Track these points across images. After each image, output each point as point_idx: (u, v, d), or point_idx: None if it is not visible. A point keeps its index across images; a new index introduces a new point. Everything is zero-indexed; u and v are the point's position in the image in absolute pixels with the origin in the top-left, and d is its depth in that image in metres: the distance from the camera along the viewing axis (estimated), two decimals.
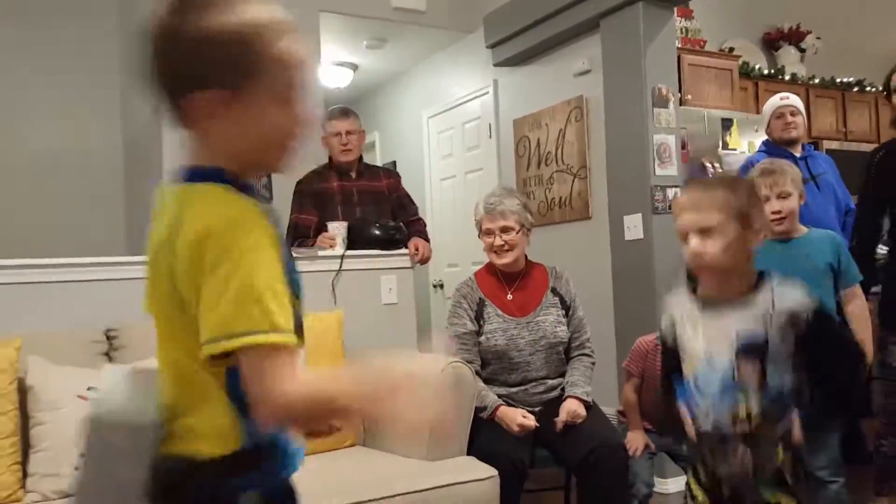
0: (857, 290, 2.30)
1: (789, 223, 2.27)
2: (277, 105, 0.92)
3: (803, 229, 2.32)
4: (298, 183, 3.33)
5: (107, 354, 2.36)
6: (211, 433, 0.92)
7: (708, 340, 1.55)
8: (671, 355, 1.66)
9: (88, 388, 2.07)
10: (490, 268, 2.71)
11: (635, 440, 2.58)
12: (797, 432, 1.51)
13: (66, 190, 4.29)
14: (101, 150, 4.39)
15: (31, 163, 4.22)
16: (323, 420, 0.96)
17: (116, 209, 4.43)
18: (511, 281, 2.66)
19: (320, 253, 2.94)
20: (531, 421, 2.42)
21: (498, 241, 2.61)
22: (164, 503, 0.92)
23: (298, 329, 0.91)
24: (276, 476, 0.98)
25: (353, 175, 3.33)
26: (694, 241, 1.52)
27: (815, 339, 1.48)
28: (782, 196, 2.25)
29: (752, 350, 1.48)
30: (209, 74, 0.89)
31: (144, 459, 0.90)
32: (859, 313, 2.27)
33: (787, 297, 1.49)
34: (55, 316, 2.40)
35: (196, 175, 0.94)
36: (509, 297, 2.63)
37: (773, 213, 2.24)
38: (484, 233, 2.66)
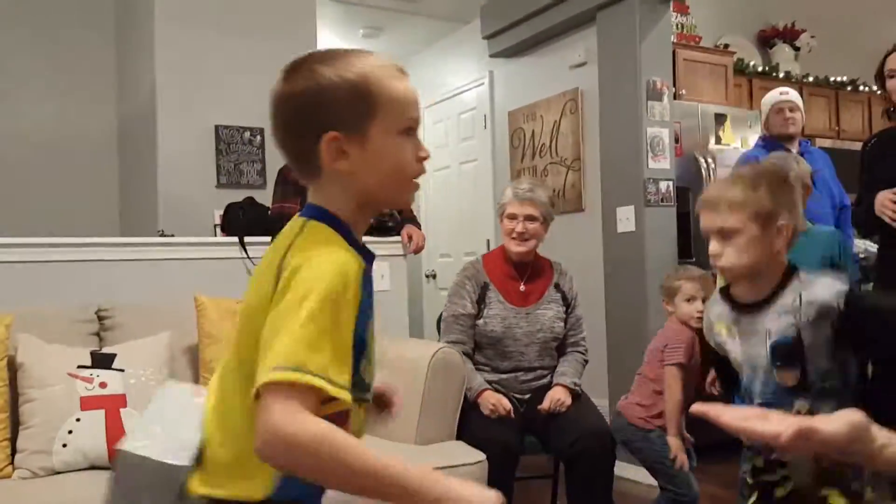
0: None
1: None
2: (397, 142, 1.00)
3: (807, 224, 2.25)
4: (282, 170, 3.31)
5: (97, 334, 2.36)
6: (239, 475, 0.91)
7: (745, 344, 1.49)
8: (718, 359, 1.62)
9: (78, 367, 2.08)
10: (500, 254, 2.70)
11: (678, 449, 2.32)
12: None
13: (61, 170, 4.27)
14: (95, 130, 4.37)
15: (26, 142, 4.20)
16: (336, 481, 0.87)
17: (110, 190, 4.42)
18: (519, 270, 2.66)
19: None
20: (505, 405, 2.41)
21: (520, 228, 2.59)
22: None
23: (365, 390, 0.94)
24: None
25: None
26: (713, 244, 1.46)
27: (855, 326, 1.39)
28: None
29: (787, 349, 1.41)
30: (332, 121, 0.96)
31: (170, 496, 0.90)
32: None
33: (815, 288, 1.41)
34: (47, 295, 2.40)
35: (313, 213, 1.00)
36: (519, 285, 2.63)
37: None
38: (507, 217, 2.62)
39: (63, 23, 4.33)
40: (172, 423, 0.98)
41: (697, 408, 0.88)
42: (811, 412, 1.39)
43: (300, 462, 0.83)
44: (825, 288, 1.41)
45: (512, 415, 2.41)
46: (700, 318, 2.26)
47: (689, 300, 2.40)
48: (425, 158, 1.04)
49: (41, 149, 4.24)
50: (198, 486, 0.92)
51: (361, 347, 0.94)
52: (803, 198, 2.15)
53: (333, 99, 0.95)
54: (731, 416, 0.86)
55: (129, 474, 0.94)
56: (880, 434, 0.84)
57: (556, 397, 2.46)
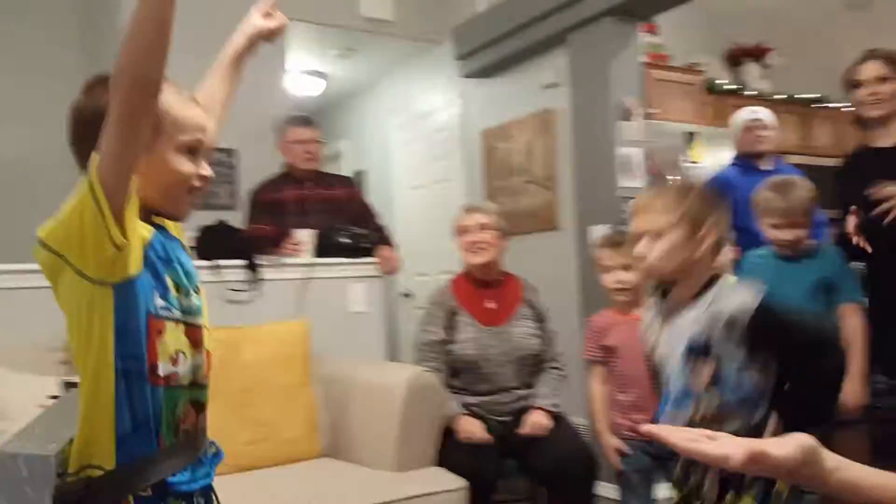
0: (852, 308, 2.17)
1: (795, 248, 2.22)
2: (177, 158, 1.13)
3: (812, 243, 2.25)
4: (252, 193, 3.29)
5: (67, 363, 2.30)
6: (91, 453, 1.04)
7: (667, 344, 1.56)
8: (650, 362, 1.67)
9: (49, 397, 2.03)
10: (466, 275, 2.71)
11: (610, 449, 2.30)
12: (770, 433, 1.47)
13: (26, 194, 4.18)
14: (66, 153, 4.27)
15: None
16: (146, 27, 0.96)
17: None
18: (486, 289, 2.66)
19: (286, 261, 2.91)
20: (480, 434, 2.39)
21: (472, 238, 2.61)
22: None
23: (180, 310, 1.10)
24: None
25: (309, 183, 3.28)
26: (640, 245, 1.54)
27: (763, 339, 1.45)
28: (796, 225, 2.18)
29: (698, 352, 1.48)
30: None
31: (48, 482, 1.00)
32: (850, 336, 2.12)
33: (727, 299, 1.48)
34: (14, 324, 2.34)
35: None
36: (488, 304, 2.63)
37: (783, 240, 2.20)
38: (460, 231, 2.65)
39: (28, 50, 4.25)
40: (52, 421, 1.11)
41: (647, 428, 0.89)
42: (716, 417, 1.46)
43: (136, 51, 0.95)
44: (734, 300, 1.47)
45: (489, 440, 2.39)
46: (619, 290, 2.31)
47: (607, 271, 2.38)
48: (205, 177, 1.16)
49: (7, 171, 4.15)
50: (69, 469, 1.04)
51: (161, 267, 1.09)
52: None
53: None
54: (680, 436, 0.86)
55: (8, 471, 1.01)
56: (830, 457, 0.85)
57: (536, 421, 2.45)
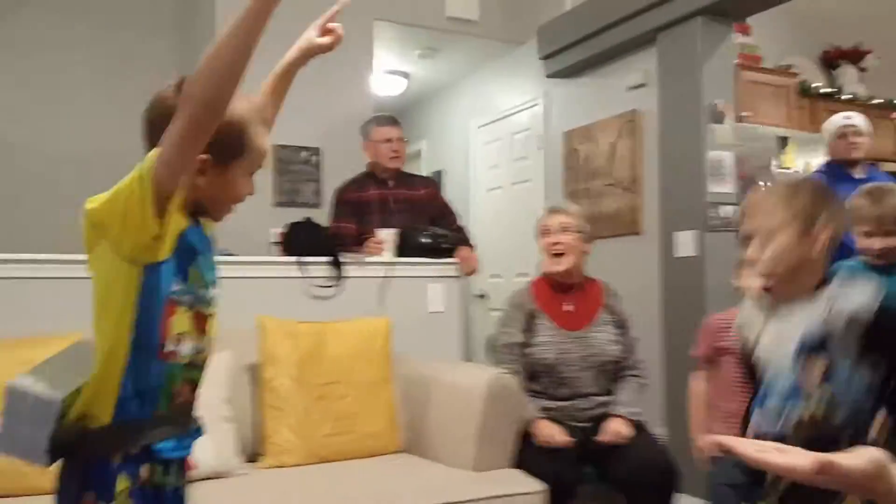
0: None
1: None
2: (244, 181, 1.25)
3: None
4: (337, 192, 3.35)
5: None
6: (93, 407, 1.14)
7: (774, 343, 1.50)
8: (746, 359, 1.61)
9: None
10: (546, 278, 2.68)
11: (703, 452, 2.19)
12: (876, 429, 1.39)
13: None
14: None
15: (82, 161, 4.20)
16: (230, 52, 1.04)
17: None
18: (567, 293, 2.63)
19: (368, 259, 2.95)
20: (560, 438, 2.36)
21: (552, 239, 2.57)
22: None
23: (195, 297, 1.18)
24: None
25: (392, 183, 3.32)
26: (751, 247, 1.49)
27: (882, 339, 1.39)
28: (889, 234, 2.07)
29: (812, 350, 1.42)
30: (210, 147, 1.13)
31: (47, 424, 1.09)
32: None
33: (847, 298, 1.42)
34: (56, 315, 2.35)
35: None
36: (567, 307, 2.60)
37: (875, 249, 2.10)
38: (542, 232, 2.62)
39: (124, 39, 4.41)
40: (63, 367, 1.18)
41: (716, 440, 0.88)
42: (826, 415, 1.40)
43: (212, 75, 1.02)
44: (855, 299, 1.40)
45: (569, 444, 2.36)
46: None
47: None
48: (250, 194, 1.27)
49: (96, 166, 4.27)
50: (70, 416, 1.12)
51: (188, 258, 1.17)
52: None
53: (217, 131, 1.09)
54: (749, 448, 0.85)
55: (13, 406, 1.10)
56: None
57: (615, 429, 2.41)
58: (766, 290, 1.56)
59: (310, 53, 1.47)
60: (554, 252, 2.59)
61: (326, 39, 1.45)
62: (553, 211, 2.68)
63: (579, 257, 2.62)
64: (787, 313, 1.50)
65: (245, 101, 1.22)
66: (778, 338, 1.51)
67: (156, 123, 1.15)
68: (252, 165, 1.24)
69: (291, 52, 1.48)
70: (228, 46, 1.02)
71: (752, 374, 1.61)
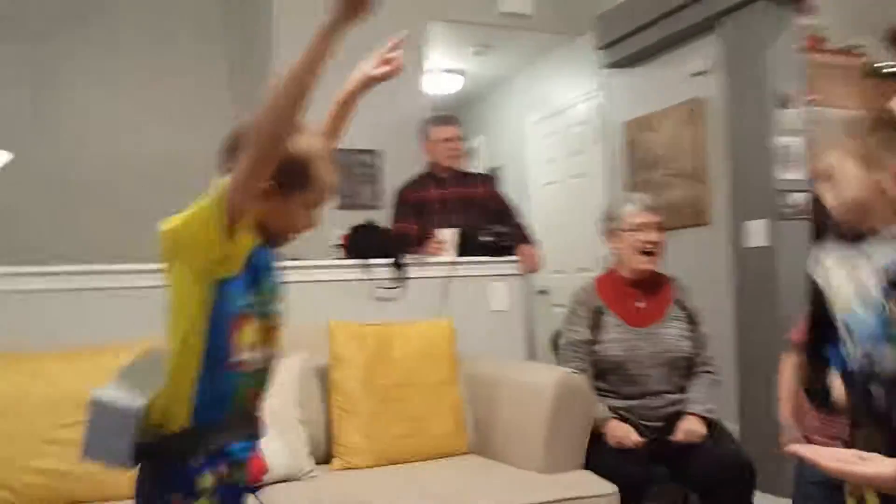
0: None
1: None
2: (303, 213, 1.31)
3: None
4: (398, 193, 3.36)
5: None
6: (169, 412, 1.20)
7: (856, 281, 1.42)
8: (819, 302, 1.51)
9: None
10: (613, 274, 2.62)
11: (791, 434, 2.06)
12: None
13: (175, 195, 4.42)
14: (209, 155, 4.53)
15: (146, 166, 4.30)
16: (295, 88, 1.13)
17: None
18: (635, 288, 2.57)
19: (429, 260, 2.95)
20: (633, 438, 2.32)
21: (647, 237, 2.51)
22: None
23: (252, 305, 1.23)
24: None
25: (451, 182, 3.32)
26: (819, 188, 1.45)
27: None
28: None
29: None
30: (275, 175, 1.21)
31: (130, 431, 1.15)
32: None
33: None
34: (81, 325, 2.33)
35: None
36: (639, 304, 2.54)
37: None
38: (636, 228, 2.52)
39: (178, 44, 4.48)
40: (140, 376, 1.24)
41: (793, 449, 0.87)
42: None
43: (275, 109, 1.13)
44: None
45: (641, 444, 2.32)
46: None
47: None
48: (309, 227, 1.33)
49: (155, 172, 4.34)
50: (149, 421, 1.18)
51: (256, 274, 1.24)
52: None
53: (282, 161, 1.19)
54: (828, 457, 0.83)
55: (98, 416, 1.18)
56: None
57: (690, 428, 2.35)
58: (842, 234, 1.50)
59: (368, 84, 1.53)
60: (646, 250, 2.52)
61: (384, 69, 1.51)
62: (646, 208, 2.56)
63: (663, 254, 2.57)
64: (867, 249, 1.43)
65: (314, 137, 1.30)
66: (856, 283, 1.43)
67: (230, 152, 1.25)
68: (315, 199, 1.30)
69: (350, 83, 1.53)
70: (290, 84, 1.11)
71: (824, 317, 1.53)
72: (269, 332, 1.30)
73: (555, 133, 5.13)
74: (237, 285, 1.21)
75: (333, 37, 1.11)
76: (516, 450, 2.34)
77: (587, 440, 2.31)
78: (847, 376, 1.40)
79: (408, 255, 2.88)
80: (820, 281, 1.51)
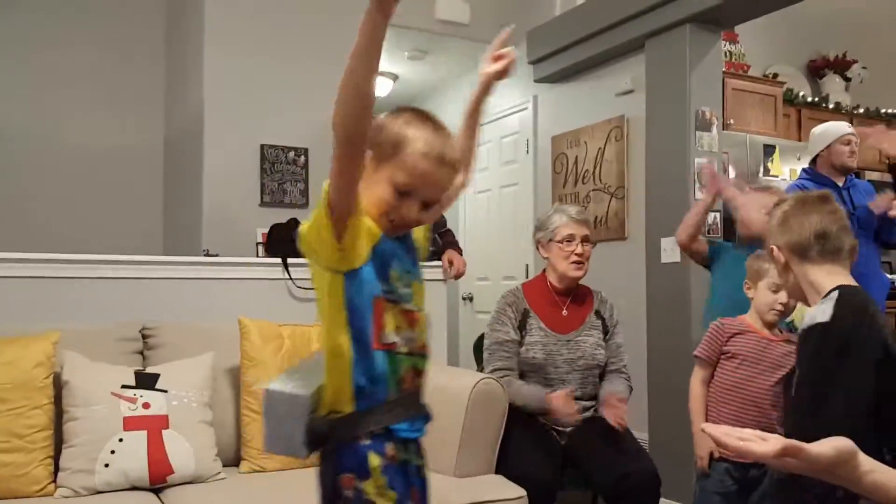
0: None
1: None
2: (387, 189, 1.29)
3: None
4: None
5: (141, 353, 2.37)
6: (337, 399, 1.28)
7: None
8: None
9: (122, 387, 2.09)
10: (541, 281, 2.68)
11: (703, 446, 2.19)
12: None
13: (106, 186, 4.34)
14: (142, 147, 4.46)
15: (72, 155, 4.28)
16: (364, 60, 1.13)
17: (155, 207, 4.49)
18: (560, 296, 2.64)
19: None
20: (574, 412, 2.39)
21: (580, 249, 2.58)
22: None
23: (396, 294, 1.28)
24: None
25: None
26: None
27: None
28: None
29: None
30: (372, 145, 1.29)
31: (303, 418, 1.27)
32: None
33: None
34: (92, 312, 2.42)
35: None
36: (563, 312, 2.61)
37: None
38: (565, 239, 2.60)
39: (115, 38, 4.42)
40: (307, 371, 1.34)
41: (705, 427, 0.96)
42: None
43: (344, 103, 1.14)
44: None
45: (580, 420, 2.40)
46: (778, 312, 2.19)
47: (774, 290, 2.19)
48: (406, 218, 1.31)
49: (86, 162, 4.31)
50: (321, 412, 1.29)
51: (386, 261, 1.29)
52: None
53: (382, 131, 1.30)
54: (732, 437, 0.91)
55: (274, 406, 1.30)
56: (866, 461, 0.91)
57: (617, 412, 2.38)
58: None
59: (489, 83, 1.56)
60: (574, 260, 2.59)
61: (499, 65, 1.54)
62: (579, 221, 2.64)
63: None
64: None
65: (434, 135, 1.30)
66: None
67: None
68: (396, 178, 1.28)
69: (475, 90, 1.58)
70: (347, 76, 1.12)
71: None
72: (410, 316, 1.33)
73: (488, 142, 5.19)
74: (368, 273, 1.26)
75: (377, 19, 1.09)
76: (430, 453, 2.34)
77: (498, 444, 2.34)
78: None
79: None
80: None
